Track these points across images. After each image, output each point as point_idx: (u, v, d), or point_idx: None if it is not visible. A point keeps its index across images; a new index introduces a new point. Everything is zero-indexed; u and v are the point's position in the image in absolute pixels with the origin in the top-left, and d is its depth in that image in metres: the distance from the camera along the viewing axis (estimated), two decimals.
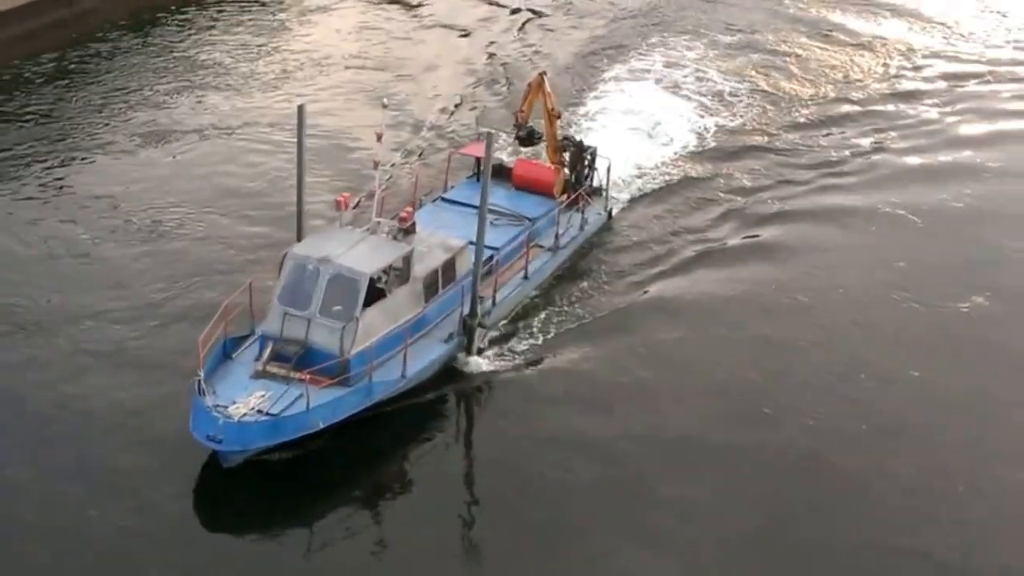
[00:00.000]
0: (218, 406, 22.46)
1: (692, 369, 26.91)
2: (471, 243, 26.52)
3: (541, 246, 30.33)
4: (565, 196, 32.01)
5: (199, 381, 22.50)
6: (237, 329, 24.73)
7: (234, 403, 22.66)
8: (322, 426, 22.92)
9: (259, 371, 23.60)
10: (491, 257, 28.19)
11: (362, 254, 24.72)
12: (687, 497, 23.07)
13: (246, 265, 28.60)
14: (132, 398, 24.58)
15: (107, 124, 36.24)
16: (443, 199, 31.20)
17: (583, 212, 31.96)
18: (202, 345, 22.94)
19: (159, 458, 22.87)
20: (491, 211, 29.42)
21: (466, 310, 26.48)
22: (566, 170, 32.72)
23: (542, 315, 28.60)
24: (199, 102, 38.03)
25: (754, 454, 24.35)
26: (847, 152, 38.58)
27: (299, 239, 26.38)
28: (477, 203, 26.25)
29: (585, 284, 30.19)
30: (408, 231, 26.25)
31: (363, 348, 23.85)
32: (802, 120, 40.94)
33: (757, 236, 32.93)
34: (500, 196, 31.12)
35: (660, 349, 27.53)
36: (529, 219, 30.50)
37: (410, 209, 27.09)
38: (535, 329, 28.05)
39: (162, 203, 32.33)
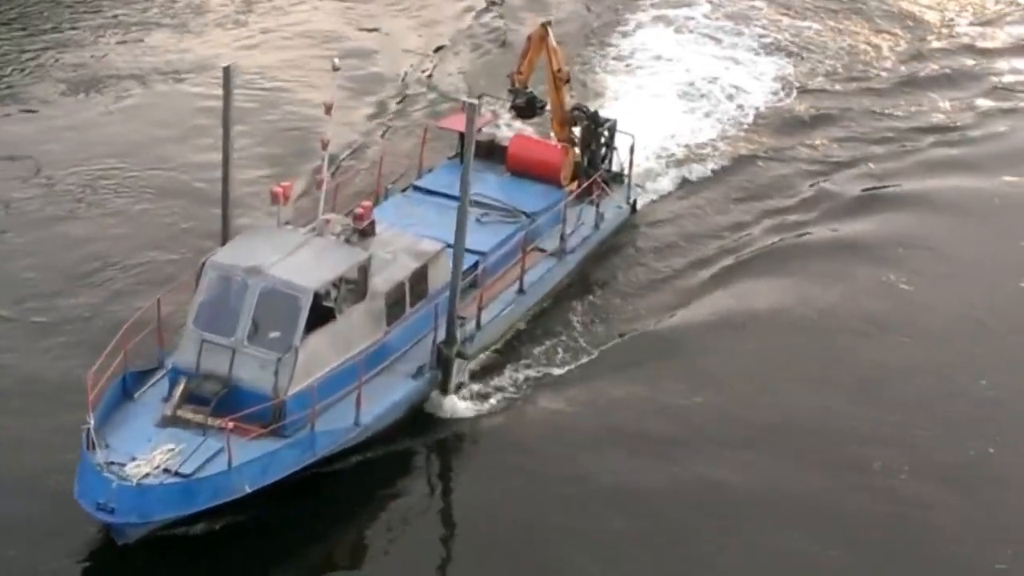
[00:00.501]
0: (112, 464, 22.34)
1: (748, 402, 27.27)
2: (449, 247, 26.61)
3: (543, 250, 30.51)
4: (575, 184, 32.29)
5: (88, 430, 22.43)
6: (140, 360, 24.76)
7: (133, 460, 22.56)
8: (249, 490, 22.82)
9: (168, 417, 23.61)
10: (475, 265, 28.32)
11: (304, 263, 24.72)
12: (751, 560, 23.47)
13: (203, 251, 28.42)
14: (34, 428, 24.95)
15: (24, 69, 36.63)
16: (416, 188, 31.33)
17: (598, 205, 32.13)
18: (92, 383, 22.88)
19: (45, 516, 23.01)
20: (476, 204, 29.48)
21: (441, 336, 26.53)
22: (576, 150, 32.92)
23: (542, 341, 28.79)
24: (138, 41, 38.38)
25: (834, 505, 24.80)
26: (963, 117, 39.08)
27: (224, 241, 26.38)
28: (459, 193, 26.33)
29: (600, 300, 30.52)
30: (366, 232, 26.12)
31: (304, 387, 23.81)
32: (903, 74, 41.37)
33: (837, 229, 33.54)
34: (490, 184, 31.40)
35: (703, 380, 27.82)
36: (527, 214, 30.65)
37: (368, 203, 27.02)
38: (532, 360, 28.22)
39: (94, 166, 32.74)
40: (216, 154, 32.41)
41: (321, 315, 24.62)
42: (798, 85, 40.17)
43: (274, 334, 24.13)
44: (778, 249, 32.41)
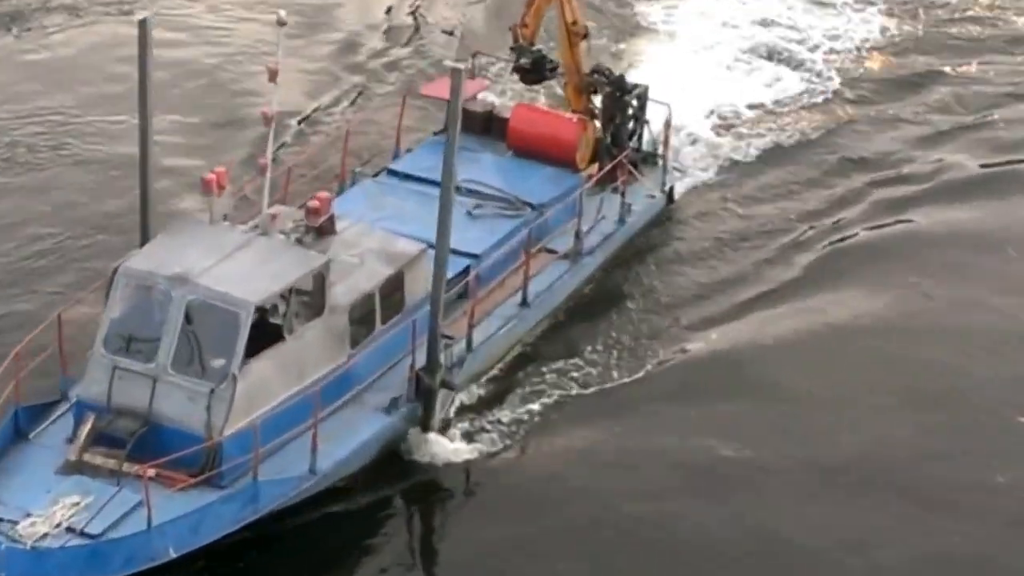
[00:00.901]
0: (1, 521, 22.48)
1: (822, 435, 27.73)
2: (432, 247, 26.64)
3: (553, 251, 30.73)
4: (595, 167, 32.55)
5: None
6: (37, 391, 24.95)
7: (28, 516, 22.55)
8: (175, 554, 22.79)
9: (72, 462, 23.63)
10: (466, 270, 28.50)
11: (244, 269, 24.79)
12: None
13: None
14: None
15: None
16: (391, 172, 31.55)
17: (624, 193, 32.40)
18: None
19: None
20: (469, 192, 30.03)
21: (421, 360, 26.66)
22: (597, 124, 33.00)
23: (551, 367, 29.05)
24: None
25: (934, 553, 25.36)
26: None
27: (143, 240, 26.58)
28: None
29: (626, 314, 30.84)
30: (323, 230, 26.20)
31: (245, 425, 23.93)
32: None
33: (948, 215, 34.07)
34: (486, 167, 31.70)
35: (761, 408, 28.27)
36: (533, 206, 30.78)
37: (325, 194, 26.77)
38: (537, 390, 28.50)
39: (16, 122, 33.74)
40: (176, 95, 33.77)
41: (266, 335, 24.65)
42: (908, 29, 40.81)
43: (206, 359, 24.25)
44: (870, 242, 32.91)
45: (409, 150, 32.65)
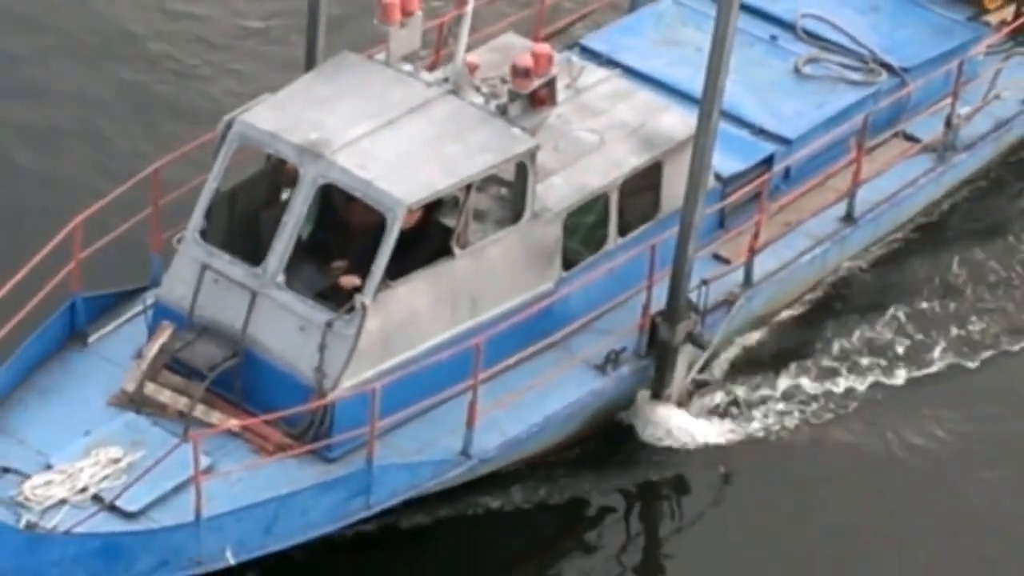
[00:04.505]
0: (10, 473, 22.82)
1: None
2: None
3: (912, 138, 30.31)
4: (1009, 10, 32.23)
5: None
6: (110, 276, 25.59)
7: (49, 468, 22.88)
8: (233, 561, 22.81)
9: (129, 393, 23.80)
10: (768, 162, 28.13)
11: (409, 145, 24.61)
12: None
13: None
14: None
15: None
16: None
17: None
18: None
19: None
20: (810, 36, 30.72)
21: (660, 300, 26.17)
22: None
23: (866, 321, 29.03)
24: None
25: None
26: None
27: (308, 66, 26.88)
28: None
29: (1009, 251, 30.79)
30: (539, 98, 25.57)
31: (374, 378, 23.69)
32: None
33: None
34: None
35: None
36: (893, 68, 30.43)
37: (545, 48, 25.94)
38: (840, 357, 28.39)
39: None
40: None
41: (425, 244, 24.66)
42: None
43: (330, 274, 24.46)
44: None
45: None
